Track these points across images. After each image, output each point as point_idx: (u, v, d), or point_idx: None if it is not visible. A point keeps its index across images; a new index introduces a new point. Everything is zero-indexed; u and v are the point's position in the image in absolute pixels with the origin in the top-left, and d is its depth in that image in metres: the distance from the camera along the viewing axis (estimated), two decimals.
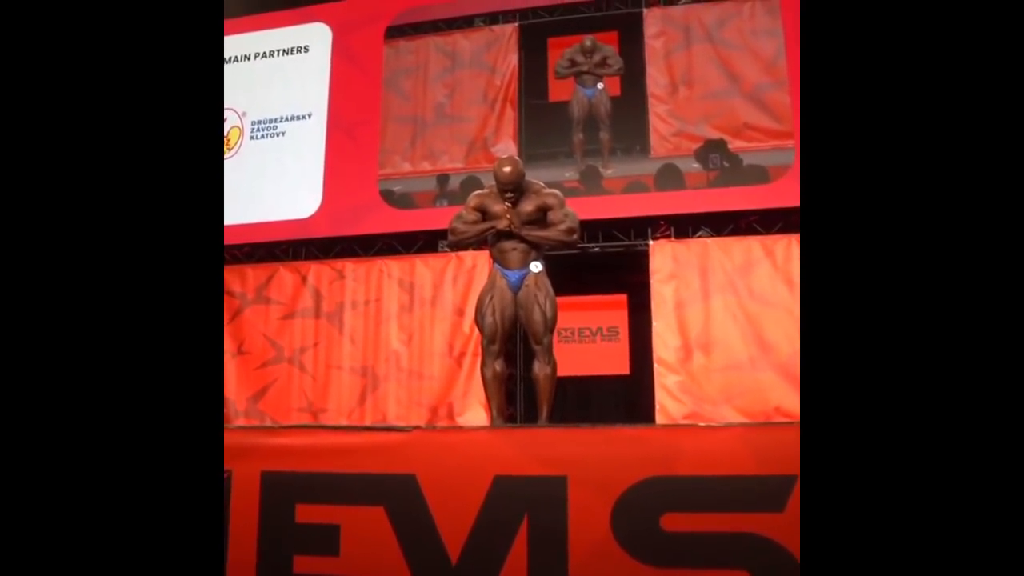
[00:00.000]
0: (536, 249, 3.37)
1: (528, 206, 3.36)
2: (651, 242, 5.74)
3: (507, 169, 3.30)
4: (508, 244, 3.36)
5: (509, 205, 3.33)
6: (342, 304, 6.13)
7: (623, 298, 6.15)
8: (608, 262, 5.93)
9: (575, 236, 3.39)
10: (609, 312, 6.20)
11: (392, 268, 6.12)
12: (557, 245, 3.40)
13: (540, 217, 3.36)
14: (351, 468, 2.67)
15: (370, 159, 6.23)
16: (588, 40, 6.03)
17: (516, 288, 3.39)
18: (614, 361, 6.08)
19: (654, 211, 5.71)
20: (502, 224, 3.34)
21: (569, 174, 5.93)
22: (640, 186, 5.78)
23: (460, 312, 5.85)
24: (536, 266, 3.37)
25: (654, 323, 5.53)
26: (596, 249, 5.85)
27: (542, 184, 3.48)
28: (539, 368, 3.31)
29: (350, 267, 6.21)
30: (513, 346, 5.17)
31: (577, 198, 5.73)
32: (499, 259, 3.44)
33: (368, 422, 5.65)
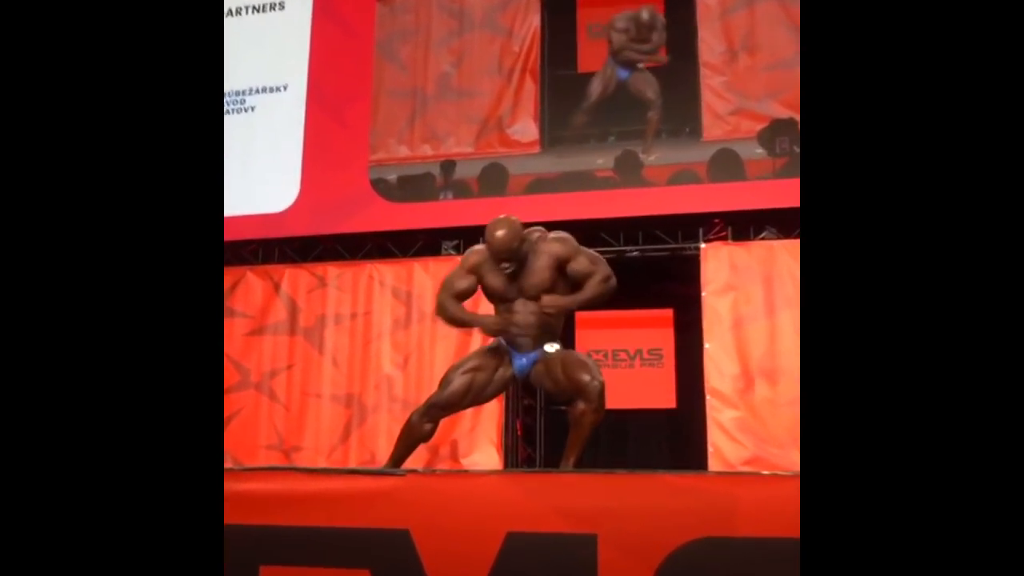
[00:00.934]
0: (551, 330, 3.45)
1: (537, 272, 3.39)
2: (703, 245, 5.69)
3: (500, 233, 3.30)
4: (516, 328, 3.41)
5: (507, 277, 3.37)
6: (323, 318, 6.15)
7: (668, 313, 6.13)
8: (650, 269, 5.89)
9: (613, 281, 3.42)
10: (651, 331, 6.17)
11: (385, 274, 6.11)
12: (598, 302, 3.45)
13: (555, 278, 3.39)
14: (330, 521, 2.67)
15: (359, 141, 6.24)
16: (646, 12, 6.01)
17: (523, 372, 3.51)
18: (657, 391, 6.05)
19: (707, 207, 5.67)
20: (490, 329, 3.45)
21: (602, 161, 5.92)
22: (689, 176, 5.76)
23: (468, 329, 5.82)
24: (552, 347, 3.45)
25: (706, 345, 5.50)
26: (635, 253, 5.84)
27: (542, 230, 3.49)
28: (584, 407, 3.32)
29: (333, 272, 6.21)
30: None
31: (611, 191, 5.74)
32: (507, 340, 3.52)
33: (353, 464, 5.67)
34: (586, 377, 3.31)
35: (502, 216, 3.43)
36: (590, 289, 3.39)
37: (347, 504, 2.70)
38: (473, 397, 3.56)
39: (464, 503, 2.66)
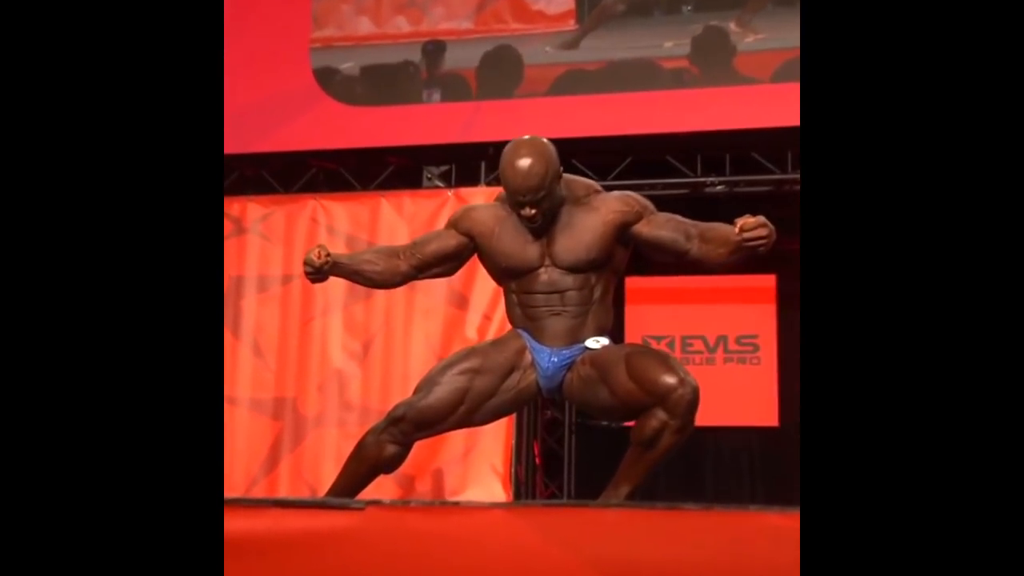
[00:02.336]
0: (601, 315, 3.58)
1: (583, 231, 3.50)
2: None
3: (524, 163, 3.40)
4: (541, 296, 3.53)
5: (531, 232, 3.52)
6: (239, 281, 6.24)
7: (769, 281, 6.13)
8: (741, 213, 5.85)
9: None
10: (742, 308, 6.17)
11: (336, 216, 6.18)
12: (728, 260, 3.50)
13: (611, 246, 3.52)
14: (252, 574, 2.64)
15: (297, 16, 6.29)
16: None
17: (550, 380, 3.56)
18: (750, 400, 6.04)
19: None
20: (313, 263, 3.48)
21: (671, 44, 5.89)
22: None
23: (462, 301, 5.89)
24: (599, 342, 3.54)
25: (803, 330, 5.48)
26: (719, 187, 5.85)
27: (591, 185, 3.63)
28: (665, 419, 3.35)
29: (255, 212, 6.29)
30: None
31: (684, 90, 5.70)
32: (527, 324, 3.59)
33: (285, 496, 5.70)
34: (670, 379, 3.32)
35: (526, 137, 3.41)
36: (722, 240, 3.41)
37: (278, 550, 2.69)
38: (465, 414, 3.58)
39: (452, 549, 2.64)
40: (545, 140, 3.47)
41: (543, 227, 3.46)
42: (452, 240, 3.61)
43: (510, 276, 3.56)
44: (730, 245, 3.38)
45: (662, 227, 3.49)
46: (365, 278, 3.64)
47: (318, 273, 3.47)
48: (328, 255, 3.44)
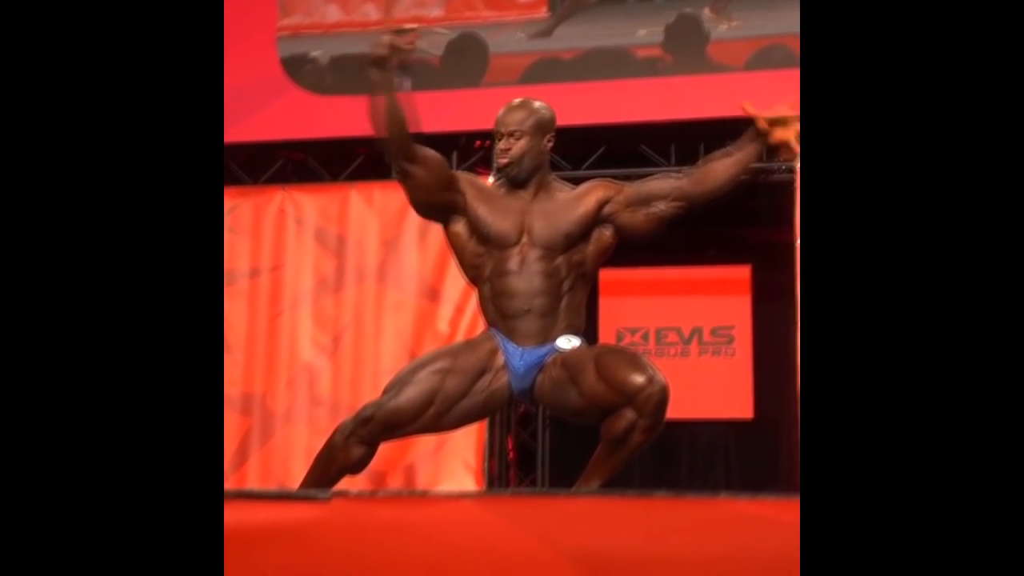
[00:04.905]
0: (573, 309, 3.60)
1: (564, 208, 3.58)
2: (800, 165, 5.65)
3: (514, 102, 3.64)
4: (517, 287, 3.53)
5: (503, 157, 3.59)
6: None
7: (743, 272, 6.12)
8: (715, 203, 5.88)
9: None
10: (716, 299, 6.16)
11: (304, 207, 6.18)
12: (725, 190, 3.60)
13: (589, 227, 3.58)
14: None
15: (264, 3, 6.41)
16: None
17: (521, 380, 3.55)
18: (725, 393, 6.04)
19: None
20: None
21: (645, 32, 5.88)
22: (782, 56, 5.79)
23: (433, 293, 5.91)
24: (570, 341, 3.54)
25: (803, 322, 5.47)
26: None
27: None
28: (633, 418, 3.36)
29: (224, 203, 6.17)
30: None
31: (658, 78, 5.69)
32: (498, 323, 3.59)
33: None
34: (639, 378, 3.34)
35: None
36: (719, 166, 3.61)
37: (243, 543, 2.64)
38: (435, 416, 3.55)
39: (422, 541, 2.63)
40: (546, 104, 3.63)
41: (518, 206, 3.54)
42: (451, 177, 3.63)
43: (486, 249, 3.56)
44: (743, 148, 3.66)
45: (646, 182, 3.62)
46: (398, 107, 3.51)
47: (391, 54, 3.49)
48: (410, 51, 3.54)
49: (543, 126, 3.57)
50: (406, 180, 3.57)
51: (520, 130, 3.52)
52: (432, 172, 3.54)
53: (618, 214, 3.54)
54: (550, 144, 3.61)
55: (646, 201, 3.54)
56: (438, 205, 3.61)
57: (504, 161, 3.53)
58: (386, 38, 3.47)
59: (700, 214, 3.59)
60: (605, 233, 3.57)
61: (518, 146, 3.52)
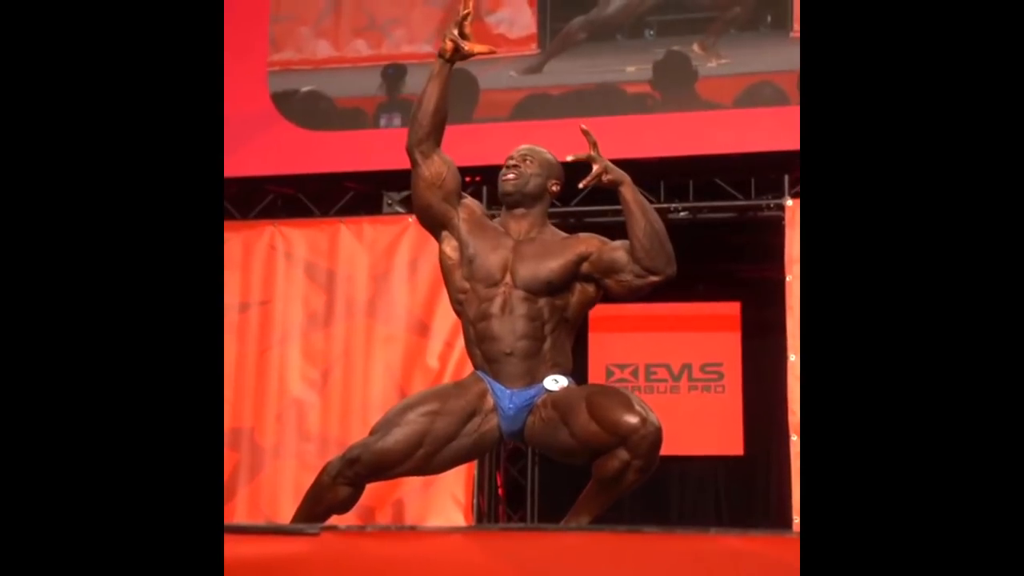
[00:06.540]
0: (559, 349, 3.58)
1: (551, 253, 3.58)
2: (789, 202, 5.68)
3: (524, 144, 3.72)
4: (499, 331, 3.52)
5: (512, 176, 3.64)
6: None
7: (733, 309, 6.12)
8: (706, 239, 5.91)
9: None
10: (706, 336, 6.14)
11: (294, 242, 6.18)
12: (656, 239, 3.51)
13: (570, 276, 3.58)
14: None
15: (253, 31, 6.34)
16: None
17: (511, 422, 3.54)
18: (714, 429, 6.02)
19: (798, 142, 5.69)
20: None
21: (633, 70, 5.90)
22: (771, 93, 5.84)
23: (422, 328, 5.91)
24: (558, 381, 3.53)
25: (791, 357, 5.55)
26: (683, 214, 5.85)
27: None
28: (627, 458, 3.35)
29: None
30: None
31: (647, 115, 5.72)
32: (484, 366, 3.58)
33: None
34: (632, 419, 3.31)
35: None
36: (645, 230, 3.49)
37: None
38: (424, 458, 3.53)
39: None
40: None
41: (509, 245, 3.56)
42: (453, 191, 3.65)
43: (470, 285, 3.57)
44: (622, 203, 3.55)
45: (615, 248, 3.54)
46: (434, 96, 3.64)
47: (455, 55, 3.57)
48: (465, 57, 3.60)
49: (552, 169, 3.65)
50: (414, 171, 3.66)
51: (531, 159, 3.61)
52: (436, 174, 3.60)
53: (595, 274, 3.56)
54: (555, 189, 3.68)
55: (614, 270, 3.52)
56: (432, 213, 3.64)
57: (510, 177, 3.59)
58: (450, 30, 3.53)
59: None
60: (588, 288, 3.59)
61: (526, 170, 3.59)
